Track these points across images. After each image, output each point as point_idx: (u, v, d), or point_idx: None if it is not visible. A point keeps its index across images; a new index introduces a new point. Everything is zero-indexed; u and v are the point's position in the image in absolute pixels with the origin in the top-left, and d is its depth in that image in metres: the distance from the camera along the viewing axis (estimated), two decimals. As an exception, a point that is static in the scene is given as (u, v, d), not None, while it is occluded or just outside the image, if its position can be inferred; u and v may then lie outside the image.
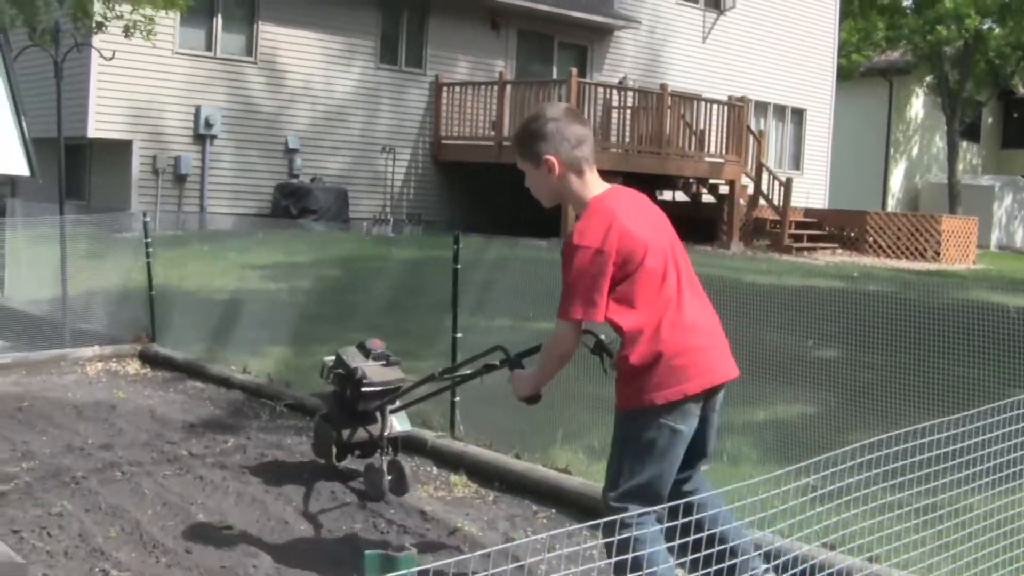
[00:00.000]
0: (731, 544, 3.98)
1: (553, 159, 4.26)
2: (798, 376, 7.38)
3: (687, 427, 4.15)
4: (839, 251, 25.14)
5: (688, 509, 3.98)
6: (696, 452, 4.29)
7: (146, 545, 5.16)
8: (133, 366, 9.59)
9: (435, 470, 6.63)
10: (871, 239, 25.30)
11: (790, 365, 7.44)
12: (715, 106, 24.37)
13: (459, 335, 7.01)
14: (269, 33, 21.77)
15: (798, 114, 32.22)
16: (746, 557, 4.02)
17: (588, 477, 6.10)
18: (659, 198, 26.24)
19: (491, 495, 6.18)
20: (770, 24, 30.89)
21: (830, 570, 3.77)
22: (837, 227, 26.09)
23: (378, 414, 6.18)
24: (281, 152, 21.89)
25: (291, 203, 20.91)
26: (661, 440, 4.12)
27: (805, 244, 24.61)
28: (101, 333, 10.36)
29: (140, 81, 19.89)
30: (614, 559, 3.80)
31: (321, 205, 20.92)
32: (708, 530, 3.78)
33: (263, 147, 21.71)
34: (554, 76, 25.47)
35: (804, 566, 3.50)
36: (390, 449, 6.20)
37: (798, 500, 3.43)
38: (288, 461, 6.67)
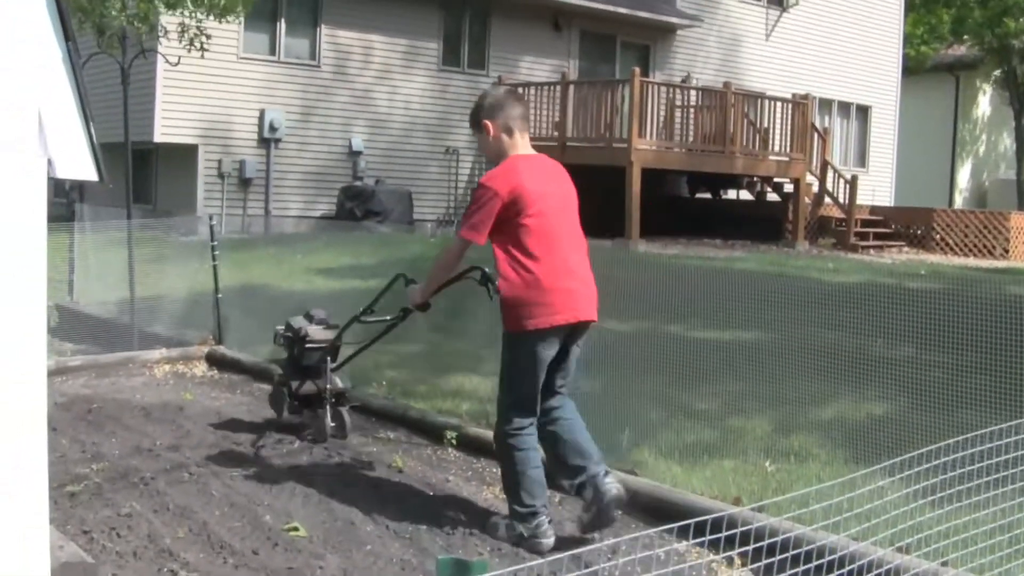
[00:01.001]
0: (584, 447, 5.44)
1: (489, 123, 5.58)
2: (866, 374, 7.29)
3: (550, 351, 5.37)
4: (906, 249, 24.84)
5: (554, 422, 5.48)
6: (558, 377, 5.49)
7: (213, 546, 5.18)
8: (200, 368, 9.65)
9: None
10: (938, 237, 24.96)
11: (858, 363, 7.35)
12: (779, 104, 24.16)
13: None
14: (332, 36, 21.89)
15: (863, 111, 31.91)
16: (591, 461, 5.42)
17: (656, 478, 6.05)
18: (723, 197, 26.12)
19: (558, 496, 6.14)
20: (834, 21, 30.62)
21: (906, 575, 3.70)
22: (903, 225, 25.76)
23: (321, 368, 7.10)
24: (345, 155, 22.00)
25: (355, 205, 20.98)
26: (531, 360, 5.35)
27: (871, 242, 24.34)
28: (168, 336, 10.43)
29: (205, 86, 20.06)
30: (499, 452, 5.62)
31: (385, 207, 20.98)
32: (566, 436, 5.46)
33: (327, 150, 21.83)
34: (616, 75, 25.39)
35: (879, 571, 3.44)
36: (333, 400, 7.10)
37: (872, 504, 3.37)
38: (354, 462, 6.68)
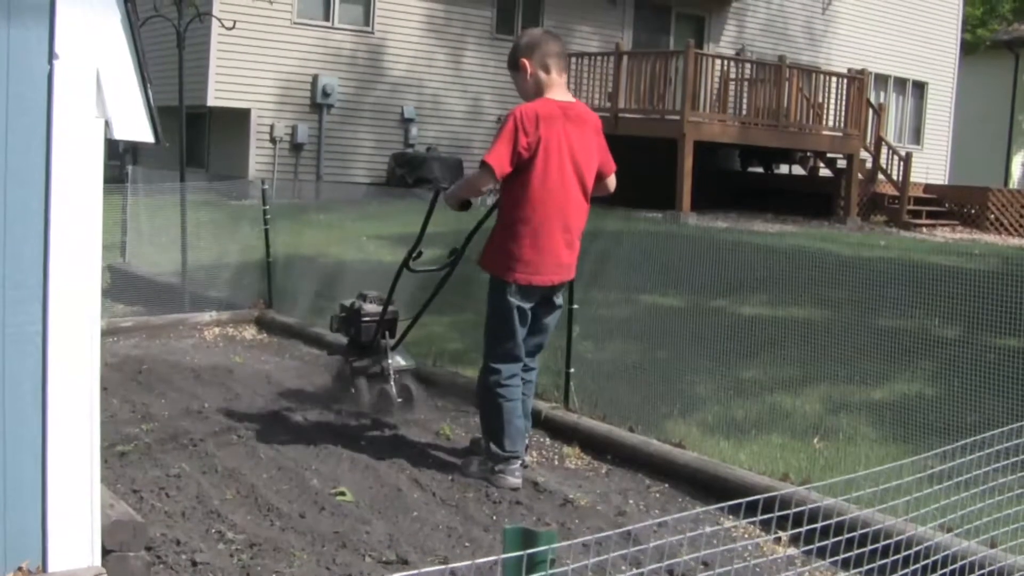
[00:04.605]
0: (522, 432, 5.76)
1: (526, 62, 5.64)
2: (918, 354, 7.23)
3: (527, 304, 5.61)
4: (959, 228, 24.55)
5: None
6: (535, 335, 5.79)
7: (261, 508, 5.22)
8: (250, 331, 9.71)
9: (548, 441, 6.61)
10: (993, 216, 24.63)
11: (910, 343, 7.29)
12: (834, 78, 23.93)
13: (575, 306, 6.97)
14: (386, 3, 21.86)
15: (919, 87, 31.54)
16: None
17: (702, 451, 6.04)
18: (776, 171, 25.93)
19: (604, 468, 6.15)
20: (892, -5, 30.26)
21: (945, 553, 3.66)
22: (957, 204, 25.42)
23: (382, 344, 6.96)
24: (397, 122, 22.01)
25: (406, 172, 21.00)
26: (509, 309, 5.57)
27: (924, 220, 24.08)
28: (219, 298, 10.48)
29: (259, 50, 20.12)
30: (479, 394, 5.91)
31: (436, 175, 20.95)
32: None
33: (379, 117, 21.85)
34: (671, 47, 25.22)
35: (919, 548, 3.41)
36: (397, 375, 6.94)
37: (913, 478, 3.35)
38: (402, 429, 6.70)
